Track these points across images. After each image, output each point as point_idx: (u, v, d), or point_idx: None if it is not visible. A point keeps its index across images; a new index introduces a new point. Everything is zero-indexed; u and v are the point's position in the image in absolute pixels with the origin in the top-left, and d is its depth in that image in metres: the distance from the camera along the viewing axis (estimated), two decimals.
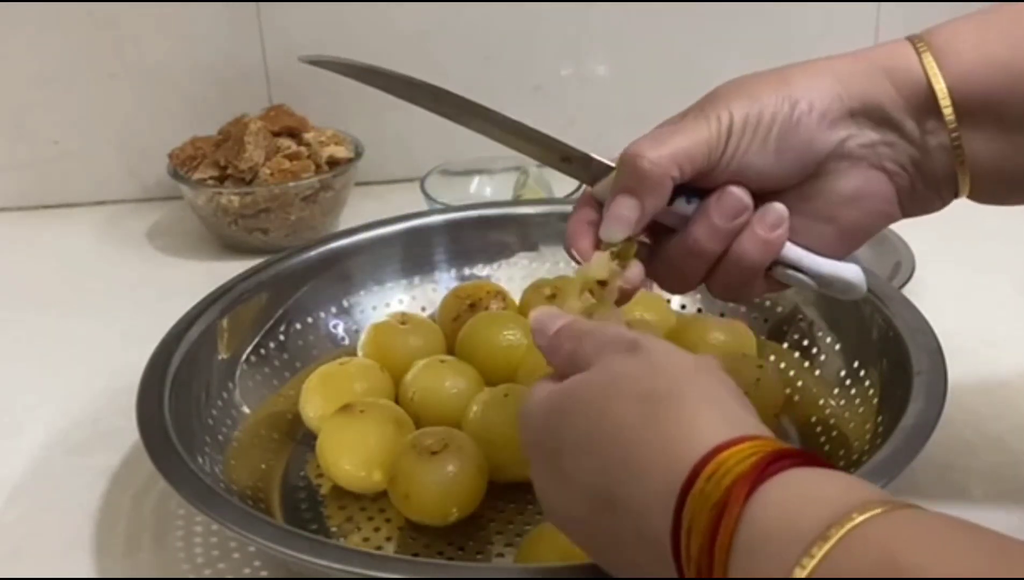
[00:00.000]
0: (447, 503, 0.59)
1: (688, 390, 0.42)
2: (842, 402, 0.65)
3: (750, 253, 0.52)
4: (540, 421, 0.46)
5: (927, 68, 0.51)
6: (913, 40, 0.52)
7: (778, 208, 0.52)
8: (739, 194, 0.52)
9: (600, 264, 0.52)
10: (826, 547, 0.33)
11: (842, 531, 0.33)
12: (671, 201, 0.53)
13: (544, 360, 0.66)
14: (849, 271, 0.54)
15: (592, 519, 0.43)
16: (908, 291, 0.74)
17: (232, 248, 0.94)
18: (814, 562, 0.33)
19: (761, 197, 0.53)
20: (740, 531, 0.35)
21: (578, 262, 0.54)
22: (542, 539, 0.55)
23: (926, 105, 0.51)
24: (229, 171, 0.92)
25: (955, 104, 0.51)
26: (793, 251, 0.54)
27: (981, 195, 0.53)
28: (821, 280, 0.54)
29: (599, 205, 0.54)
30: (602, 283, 0.53)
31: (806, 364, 0.69)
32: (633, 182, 0.52)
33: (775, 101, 0.51)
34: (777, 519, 0.35)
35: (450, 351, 0.72)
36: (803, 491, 0.36)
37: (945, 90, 0.51)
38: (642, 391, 0.42)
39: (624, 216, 0.52)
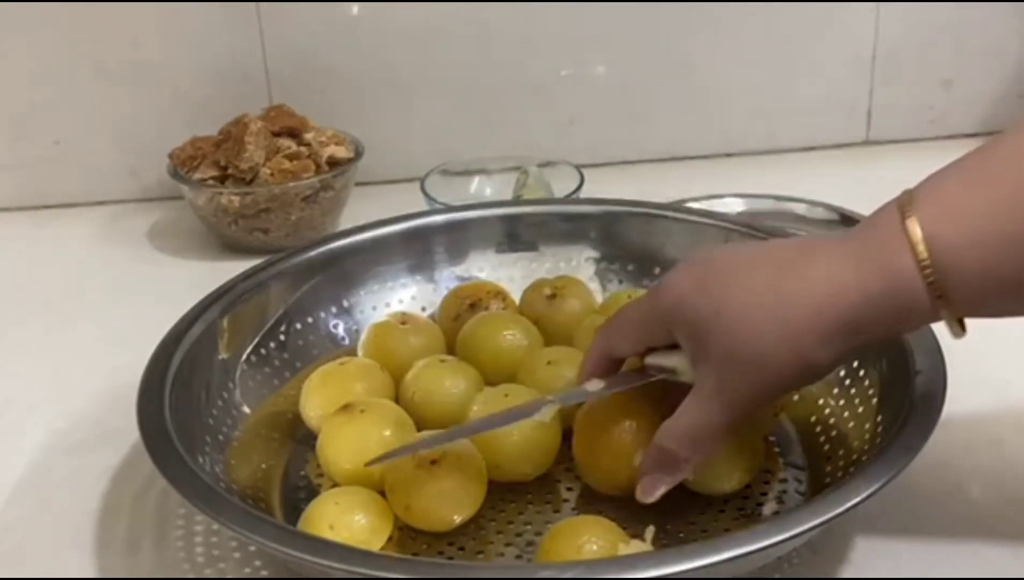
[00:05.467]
0: (448, 512, 0.59)
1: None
2: (842, 402, 0.65)
3: None
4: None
5: (941, 314, 0.50)
6: (922, 267, 0.49)
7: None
8: None
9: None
10: None
11: None
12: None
13: (543, 359, 0.67)
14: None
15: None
16: None
17: (232, 248, 0.94)
18: None
19: None
20: None
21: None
22: (558, 537, 0.55)
23: (921, 320, 0.51)
24: (229, 171, 0.92)
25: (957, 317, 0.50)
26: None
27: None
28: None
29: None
30: None
31: None
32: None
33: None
34: None
35: (450, 351, 0.72)
36: None
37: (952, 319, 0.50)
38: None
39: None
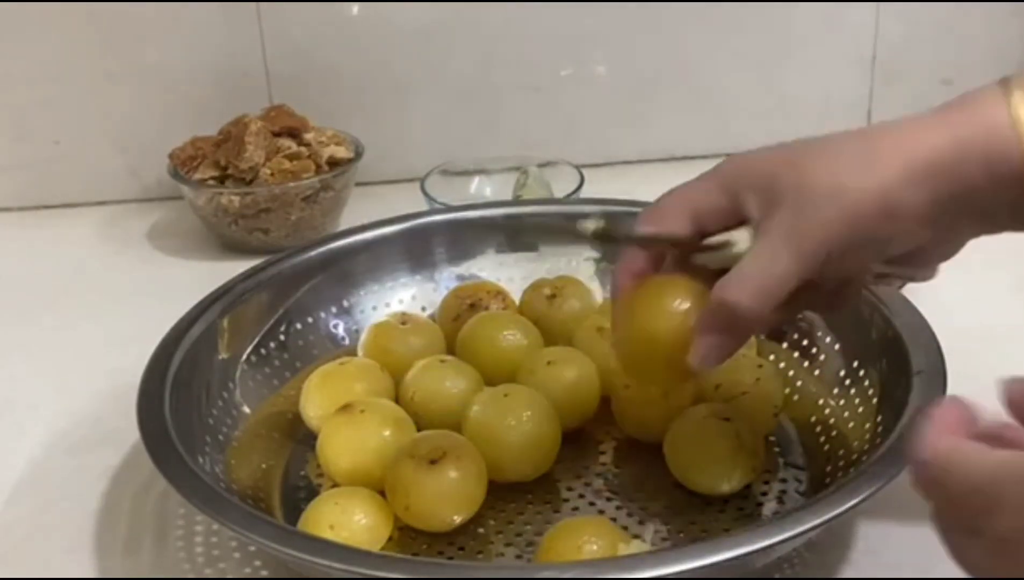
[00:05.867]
0: (448, 512, 0.59)
1: None
2: (842, 402, 0.65)
3: None
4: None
5: None
6: (1014, 111, 0.48)
7: None
8: None
9: None
10: None
11: None
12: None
13: (543, 359, 0.66)
14: None
15: None
16: (907, 291, 0.74)
17: (232, 248, 0.94)
18: None
19: None
20: None
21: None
22: (558, 537, 0.55)
23: (1010, 181, 0.48)
24: (229, 171, 0.92)
25: None
26: None
27: None
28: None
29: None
30: None
31: (806, 364, 0.69)
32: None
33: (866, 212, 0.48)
34: None
35: (450, 351, 0.72)
36: None
37: None
38: None
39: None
